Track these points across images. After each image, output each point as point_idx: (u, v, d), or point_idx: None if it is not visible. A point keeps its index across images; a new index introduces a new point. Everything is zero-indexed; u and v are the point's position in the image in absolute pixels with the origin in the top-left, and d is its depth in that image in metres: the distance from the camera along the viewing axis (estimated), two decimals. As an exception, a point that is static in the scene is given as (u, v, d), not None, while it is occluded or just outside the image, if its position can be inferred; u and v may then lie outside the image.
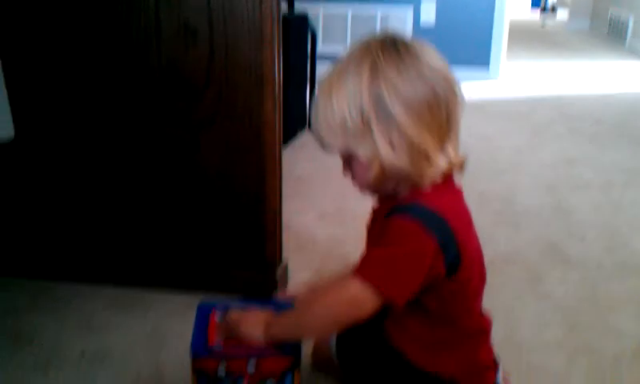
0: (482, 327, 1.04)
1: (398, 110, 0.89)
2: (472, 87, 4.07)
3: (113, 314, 1.42)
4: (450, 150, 0.93)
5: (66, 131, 1.44)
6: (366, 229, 1.05)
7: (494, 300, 1.47)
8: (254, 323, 1.01)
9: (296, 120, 2.94)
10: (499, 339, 1.31)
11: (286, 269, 1.53)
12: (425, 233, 0.88)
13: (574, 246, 1.80)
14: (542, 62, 5.32)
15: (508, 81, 4.41)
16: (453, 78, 0.93)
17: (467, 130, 3.24)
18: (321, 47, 4.34)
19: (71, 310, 1.44)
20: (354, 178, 0.98)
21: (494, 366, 1.06)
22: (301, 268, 1.58)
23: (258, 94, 1.31)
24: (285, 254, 1.56)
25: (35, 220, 1.53)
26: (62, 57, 1.38)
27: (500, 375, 1.12)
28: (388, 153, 0.90)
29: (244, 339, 1.00)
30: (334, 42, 4.51)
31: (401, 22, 4.42)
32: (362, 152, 0.92)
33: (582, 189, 2.29)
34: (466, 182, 2.22)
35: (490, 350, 1.06)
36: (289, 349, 1.01)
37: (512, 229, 1.93)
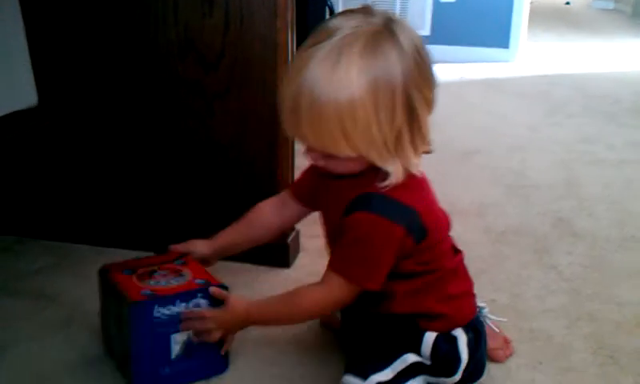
0: (455, 265, 1.07)
1: (422, 110, 0.88)
2: (491, 66, 4.06)
3: (131, 276, 1.48)
4: None
5: (87, 99, 1.49)
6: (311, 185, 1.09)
7: (500, 269, 1.52)
8: (234, 321, 1.06)
9: (313, 95, 2.97)
10: (504, 306, 1.36)
11: (297, 236, 1.57)
12: (392, 225, 0.92)
13: (582, 219, 1.83)
14: (563, 42, 5.29)
15: (528, 60, 4.39)
16: None
17: (484, 108, 3.28)
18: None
19: (93, 272, 1.47)
20: (330, 168, 0.95)
21: (469, 293, 1.09)
22: (313, 235, 1.61)
23: (271, 63, 1.35)
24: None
25: (60, 185, 1.59)
26: (83, 27, 1.43)
27: (487, 309, 1.16)
28: (414, 159, 0.91)
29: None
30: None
31: (421, -1, 4.41)
32: (384, 164, 0.89)
33: (595, 165, 2.30)
34: (480, 158, 2.26)
35: (465, 280, 1.09)
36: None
37: (522, 202, 1.95)
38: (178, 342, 1.04)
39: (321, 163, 0.95)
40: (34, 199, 1.62)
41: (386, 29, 0.86)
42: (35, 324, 1.29)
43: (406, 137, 0.88)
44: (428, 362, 1.02)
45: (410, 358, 1.01)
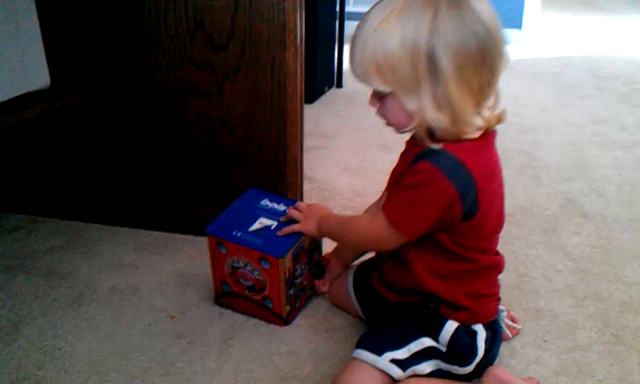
0: (493, 264, 1.09)
1: (449, 71, 0.90)
2: (503, 47, 4.03)
3: (143, 255, 1.50)
4: (485, 110, 0.98)
5: (98, 81, 1.50)
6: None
7: (508, 249, 1.52)
8: (313, 218, 1.19)
9: (323, 77, 2.97)
10: (511, 286, 1.37)
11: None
12: (447, 182, 0.93)
13: (592, 200, 1.83)
14: (577, 22, 5.23)
15: (541, 41, 4.36)
16: (502, 37, 0.95)
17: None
18: (352, 6, 4.35)
19: (103, 251, 1.51)
20: (384, 116, 1.00)
21: (496, 296, 1.10)
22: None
23: (280, 43, 1.35)
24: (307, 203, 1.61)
25: (71, 165, 1.61)
26: (94, 9, 1.44)
27: (505, 314, 1.17)
28: (431, 111, 0.93)
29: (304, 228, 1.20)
30: (365, 1, 4.49)
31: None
32: (406, 103, 0.94)
33: (606, 146, 2.29)
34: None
35: (494, 284, 1.11)
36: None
37: (532, 183, 1.95)
38: (261, 223, 1.23)
39: (377, 112, 1.01)
40: (45, 179, 1.65)
41: None
42: (47, 302, 1.31)
43: (427, 87, 0.92)
44: (443, 349, 1.03)
45: (427, 341, 1.03)
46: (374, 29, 0.93)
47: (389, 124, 1.02)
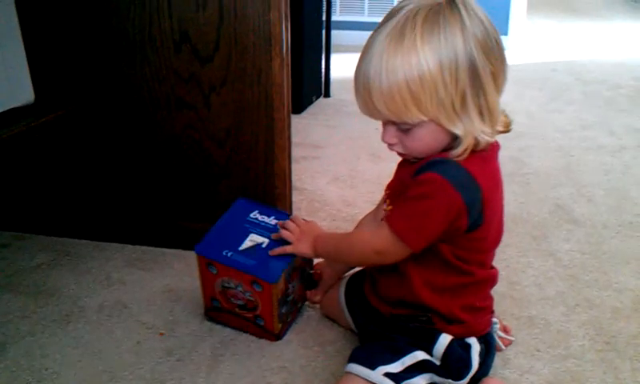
0: (489, 278, 1.08)
1: (487, 72, 0.89)
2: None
3: (131, 271, 1.48)
4: None
5: (83, 95, 1.49)
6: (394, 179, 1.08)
7: (499, 257, 1.51)
8: (306, 240, 1.16)
9: (311, 87, 2.97)
10: (502, 293, 1.36)
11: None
12: (454, 192, 0.91)
13: (581, 206, 1.83)
14: (562, 28, 5.27)
15: (527, 47, 4.38)
16: None
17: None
18: (338, 15, 4.35)
19: (91, 267, 1.50)
20: (410, 147, 0.97)
21: (489, 309, 1.10)
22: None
23: (266, 55, 1.35)
24: (297, 214, 1.60)
25: (58, 180, 1.59)
26: (78, 23, 1.43)
27: (498, 326, 1.16)
28: (479, 124, 0.91)
29: (296, 249, 1.16)
30: (351, 10, 4.50)
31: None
32: (449, 125, 0.91)
33: (594, 151, 2.30)
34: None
35: (488, 297, 1.10)
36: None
37: (522, 189, 1.95)
38: (251, 240, 1.20)
39: (396, 145, 0.98)
40: (32, 195, 1.63)
41: (448, 3, 0.90)
42: (34, 321, 1.29)
43: (471, 100, 0.90)
44: (437, 363, 1.02)
45: (420, 355, 1.02)
46: (395, 61, 0.89)
47: (410, 154, 0.99)
